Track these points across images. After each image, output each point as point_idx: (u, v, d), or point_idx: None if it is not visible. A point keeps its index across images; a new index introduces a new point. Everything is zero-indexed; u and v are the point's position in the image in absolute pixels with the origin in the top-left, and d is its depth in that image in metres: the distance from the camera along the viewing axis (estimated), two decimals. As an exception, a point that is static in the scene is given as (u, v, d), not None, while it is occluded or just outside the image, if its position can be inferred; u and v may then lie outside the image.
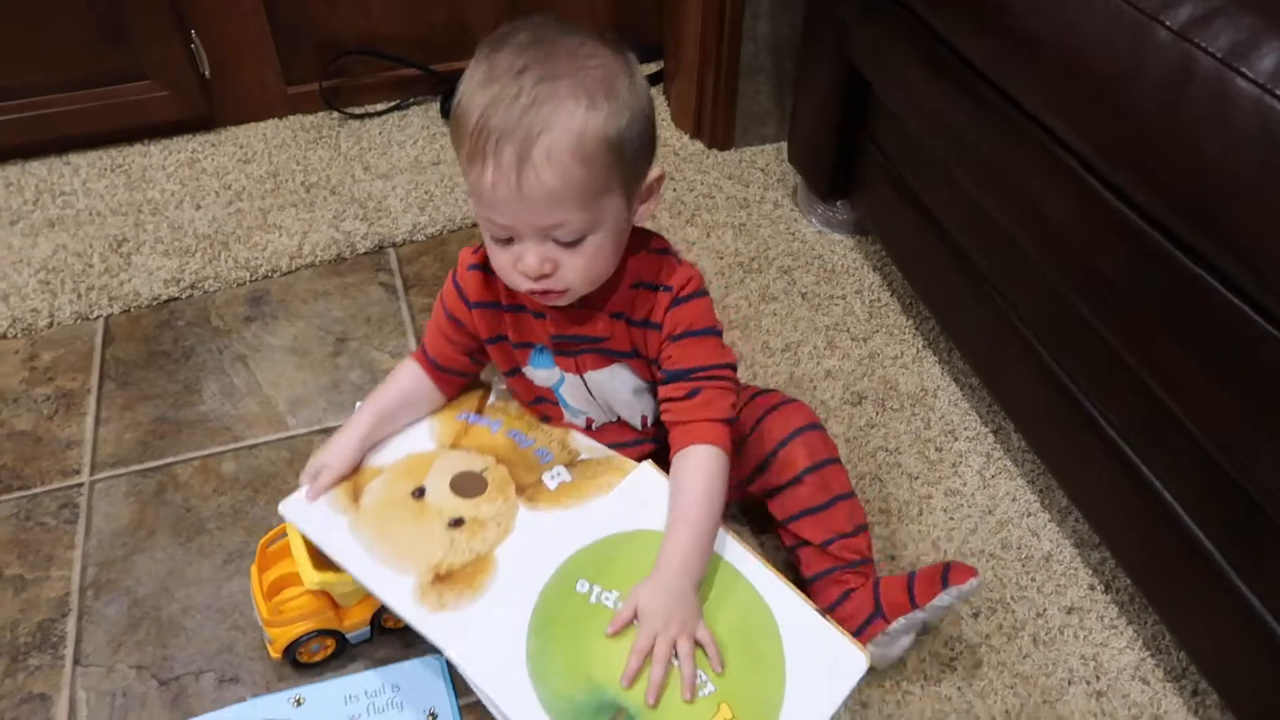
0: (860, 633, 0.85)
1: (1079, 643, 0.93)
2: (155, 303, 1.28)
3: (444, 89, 1.65)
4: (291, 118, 1.62)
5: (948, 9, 0.98)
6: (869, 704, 0.88)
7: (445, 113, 1.63)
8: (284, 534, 0.90)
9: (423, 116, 1.64)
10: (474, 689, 0.75)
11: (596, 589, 0.80)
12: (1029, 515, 1.05)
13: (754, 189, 1.51)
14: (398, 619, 0.91)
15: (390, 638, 0.92)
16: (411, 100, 1.66)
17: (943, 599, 0.83)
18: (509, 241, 0.76)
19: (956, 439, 1.13)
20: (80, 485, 1.06)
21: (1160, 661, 0.92)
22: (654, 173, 0.78)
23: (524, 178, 0.70)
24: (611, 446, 0.93)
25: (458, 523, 0.85)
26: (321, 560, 0.89)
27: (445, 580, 0.80)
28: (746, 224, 1.44)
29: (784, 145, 1.53)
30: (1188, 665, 0.91)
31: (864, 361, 1.22)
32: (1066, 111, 0.82)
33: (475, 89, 0.71)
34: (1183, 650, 0.91)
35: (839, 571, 0.88)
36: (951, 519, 1.04)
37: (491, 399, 0.97)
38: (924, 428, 1.14)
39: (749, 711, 0.75)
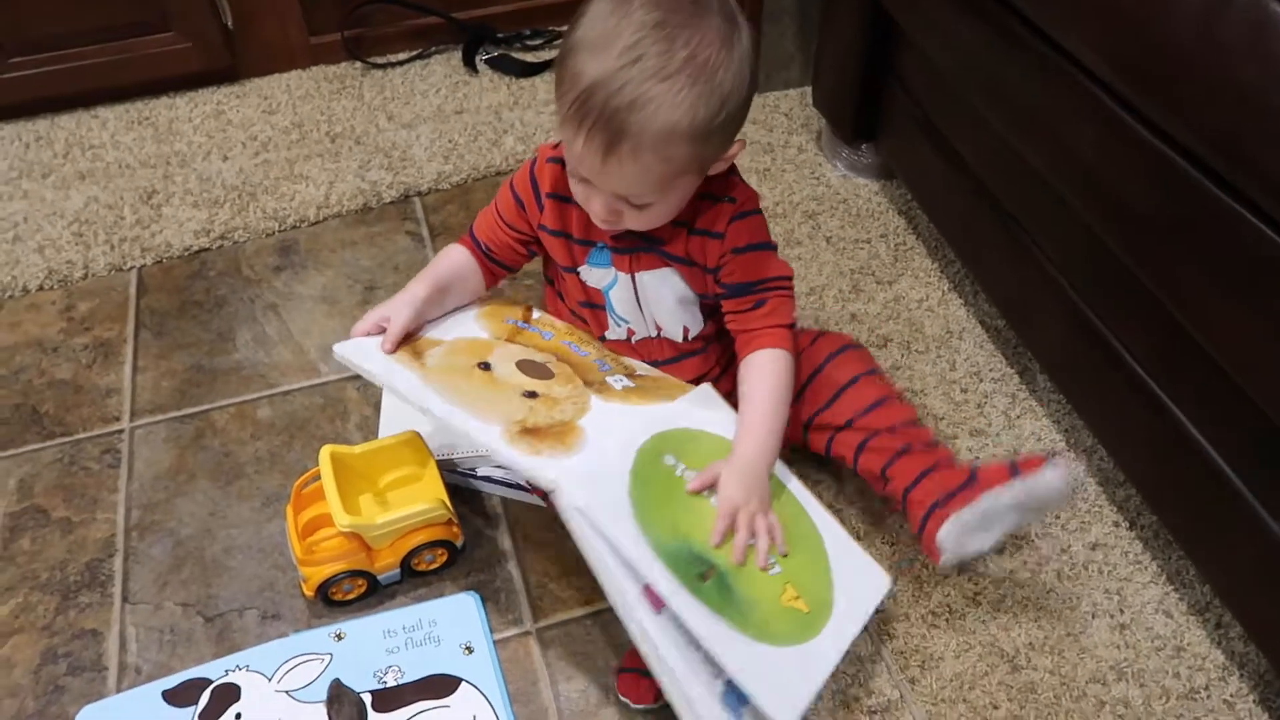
0: (949, 501, 0.81)
1: (1103, 578, 0.94)
2: (187, 253, 1.30)
3: (466, 37, 1.64)
4: (315, 68, 1.62)
5: (976, -57, 0.97)
6: (894, 635, 0.90)
7: (468, 62, 1.62)
8: (318, 477, 0.92)
9: (445, 65, 1.64)
10: (580, 535, 0.75)
11: (681, 465, 0.83)
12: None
13: (778, 134, 1.50)
14: (429, 562, 0.94)
15: (421, 579, 0.95)
16: (434, 49, 1.66)
17: (1045, 474, 0.78)
18: (584, 179, 0.80)
19: (982, 380, 1.13)
20: (121, 431, 1.09)
21: (1184, 595, 0.93)
22: (734, 149, 0.81)
23: (608, 162, 0.74)
24: (654, 364, 0.95)
25: (532, 394, 0.85)
26: (352, 503, 0.92)
27: (534, 433, 0.81)
28: (771, 169, 1.43)
29: (808, 90, 1.52)
30: (1211, 599, 0.92)
31: (889, 305, 1.22)
32: (1099, 44, 0.81)
33: (589, 52, 0.72)
34: (1207, 584, 0.92)
35: (917, 451, 0.86)
36: (977, 459, 1.05)
37: (535, 314, 0.99)
38: (949, 369, 1.14)
39: (809, 600, 0.81)
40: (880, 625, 0.91)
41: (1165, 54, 0.74)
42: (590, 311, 0.96)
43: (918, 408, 1.10)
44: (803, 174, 1.43)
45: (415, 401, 0.83)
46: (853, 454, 0.91)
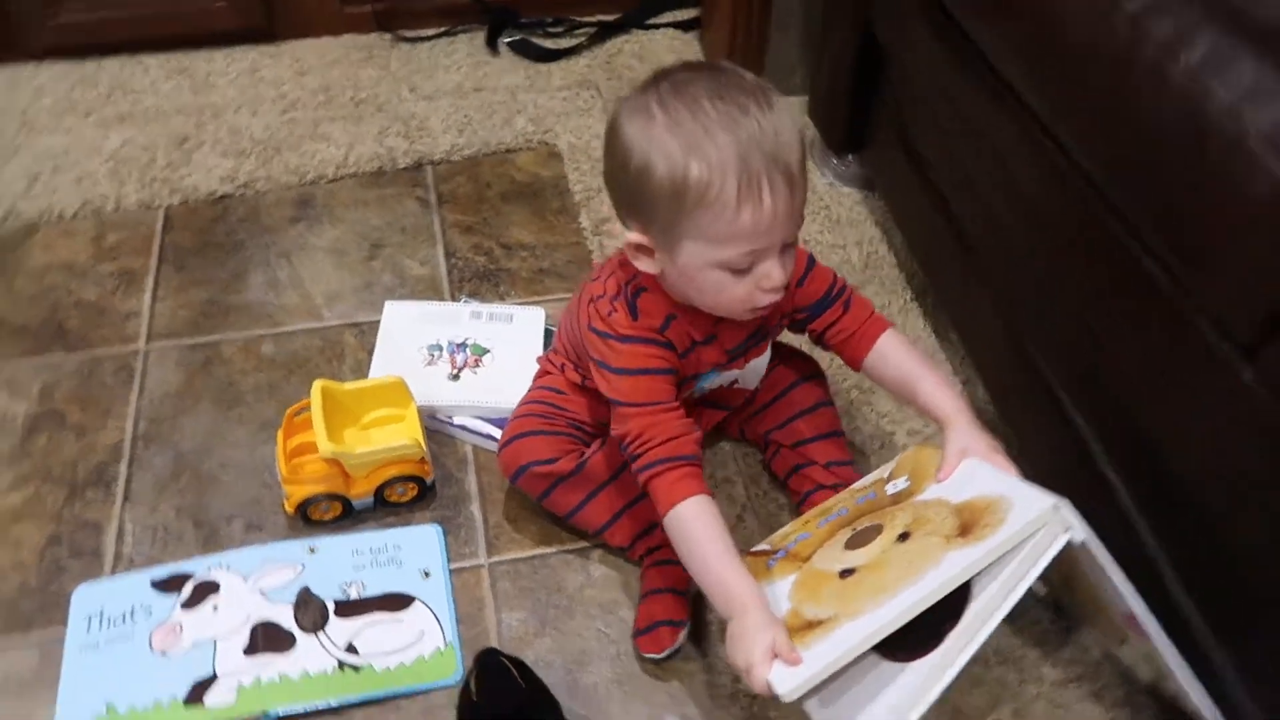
0: None
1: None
2: (211, 198, 1.40)
3: (491, 19, 1.73)
4: (346, 36, 1.72)
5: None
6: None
7: (490, 43, 1.72)
8: (309, 407, 1.02)
9: (469, 44, 1.73)
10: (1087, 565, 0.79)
11: None
12: (981, 456, 1.14)
13: (774, 138, 1.59)
14: (400, 494, 1.04)
15: (391, 509, 1.05)
16: (460, 28, 1.75)
17: None
18: (745, 271, 0.80)
19: (927, 383, 1.21)
20: (137, 352, 1.20)
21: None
22: None
23: (795, 195, 0.78)
24: (713, 404, 1.03)
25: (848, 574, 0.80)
26: (337, 433, 1.01)
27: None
28: (762, 171, 1.52)
29: (806, 99, 1.60)
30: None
31: (852, 306, 1.31)
32: (1040, 87, 0.90)
33: (704, 138, 0.75)
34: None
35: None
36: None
37: (766, 544, 0.94)
38: (898, 370, 1.23)
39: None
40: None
41: (1086, 96, 0.83)
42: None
43: (865, 404, 1.19)
44: (791, 178, 1.51)
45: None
46: (785, 472, 1.06)
